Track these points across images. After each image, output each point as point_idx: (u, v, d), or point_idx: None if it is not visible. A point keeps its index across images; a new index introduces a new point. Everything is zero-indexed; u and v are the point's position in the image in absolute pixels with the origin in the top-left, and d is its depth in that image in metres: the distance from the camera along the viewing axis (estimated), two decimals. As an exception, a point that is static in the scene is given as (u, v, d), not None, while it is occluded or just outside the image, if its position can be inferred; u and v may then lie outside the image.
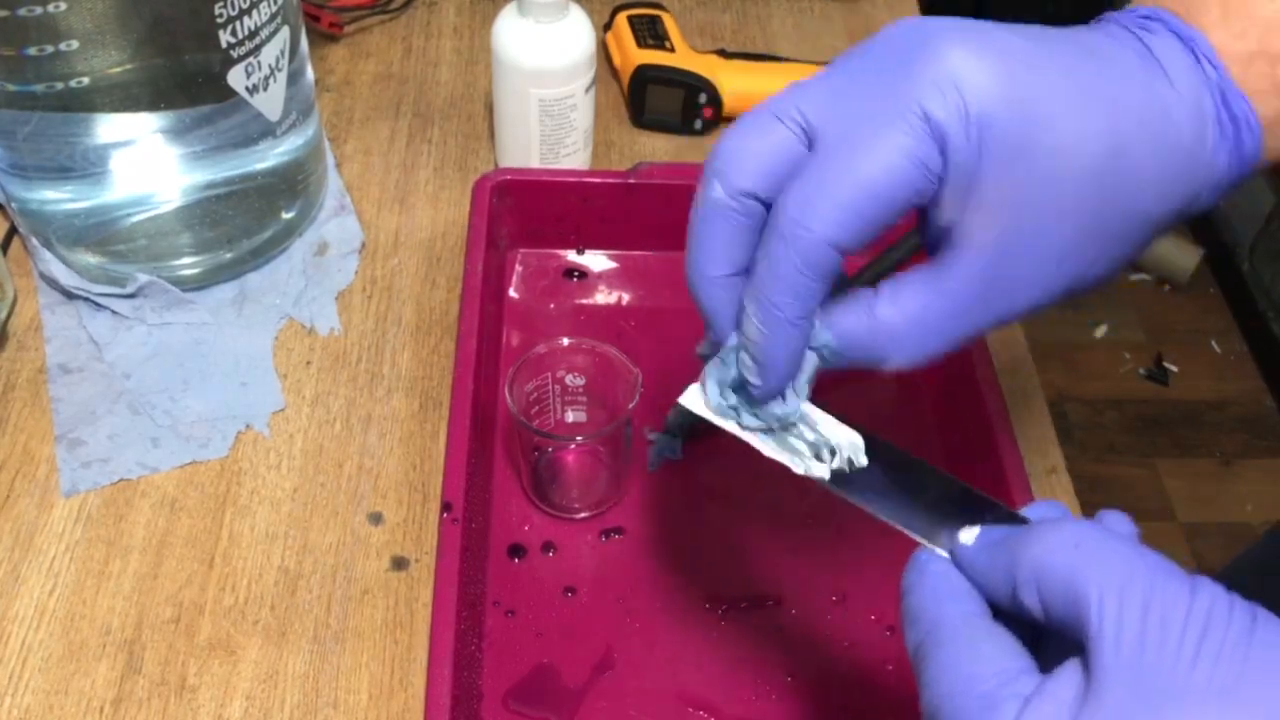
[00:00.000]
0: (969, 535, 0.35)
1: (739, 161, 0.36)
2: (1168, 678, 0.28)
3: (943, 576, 0.34)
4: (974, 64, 0.33)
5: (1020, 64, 0.34)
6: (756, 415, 0.39)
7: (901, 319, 0.36)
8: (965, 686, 0.31)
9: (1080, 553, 0.31)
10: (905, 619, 0.35)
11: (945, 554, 0.35)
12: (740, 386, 0.39)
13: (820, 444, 0.39)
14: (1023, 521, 0.35)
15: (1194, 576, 0.29)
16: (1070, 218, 0.34)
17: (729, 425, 0.40)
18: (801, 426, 0.39)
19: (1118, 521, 0.34)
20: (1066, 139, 0.34)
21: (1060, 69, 0.34)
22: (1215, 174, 0.36)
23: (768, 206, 0.36)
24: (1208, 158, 0.36)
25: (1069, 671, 0.30)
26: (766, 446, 0.40)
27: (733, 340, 0.38)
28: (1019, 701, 0.30)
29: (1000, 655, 0.32)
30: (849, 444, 0.39)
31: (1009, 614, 0.33)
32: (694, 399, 0.41)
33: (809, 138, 0.35)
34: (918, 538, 0.36)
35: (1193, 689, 0.27)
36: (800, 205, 0.34)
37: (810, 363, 0.38)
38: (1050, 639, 0.32)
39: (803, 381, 0.38)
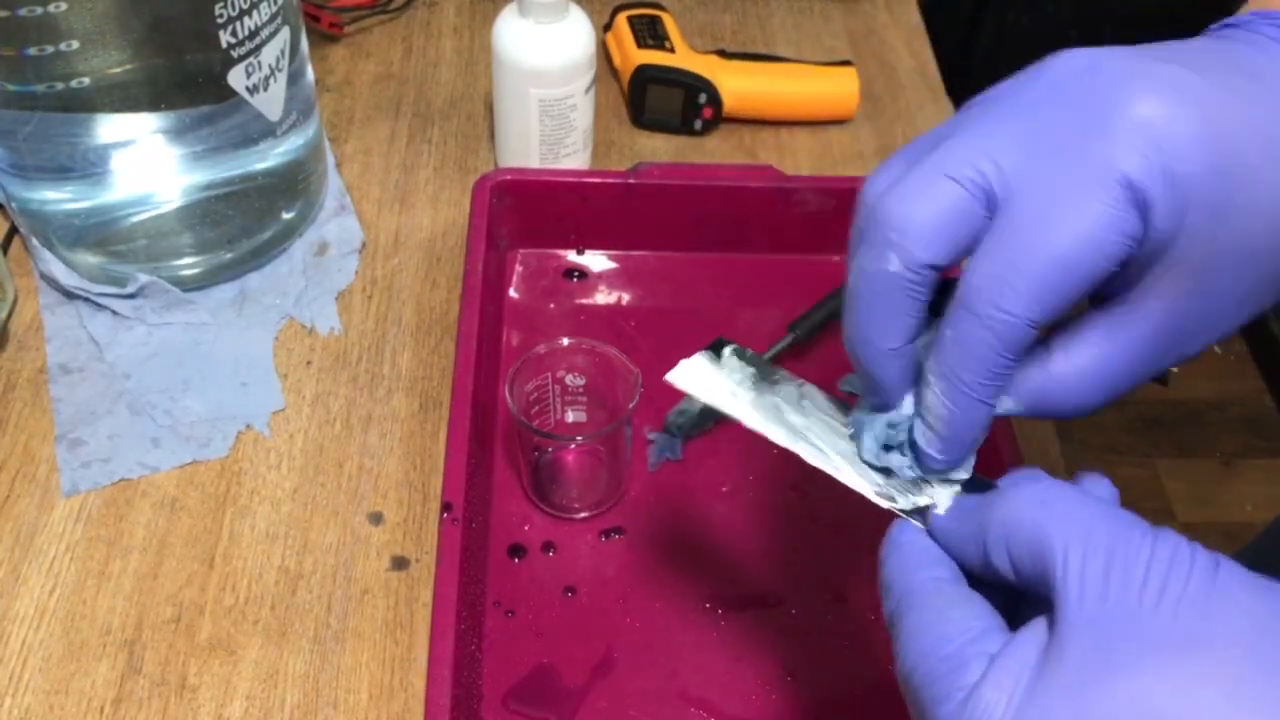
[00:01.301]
0: (943, 505, 0.35)
1: (919, 233, 0.33)
2: (1128, 630, 0.28)
3: (914, 546, 0.35)
4: (1169, 116, 0.31)
5: (1211, 111, 0.31)
6: (930, 480, 0.38)
7: (1077, 375, 0.34)
8: (933, 648, 0.31)
9: (1046, 509, 0.31)
10: (881, 590, 0.35)
11: (921, 526, 0.36)
12: (906, 448, 0.38)
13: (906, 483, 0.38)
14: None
15: (1158, 528, 0.29)
16: (1256, 267, 0.33)
17: (733, 410, 0.40)
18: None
19: (1095, 484, 0.34)
20: (1262, 194, 0.32)
21: (1244, 112, 0.32)
22: None
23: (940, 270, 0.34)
24: None
25: (1035, 628, 0.30)
26: (806, 452, 0.39)
27: (905, 407, 0.37)
28: (985, 659, 0.30)
29: (968, 616, 0.32)
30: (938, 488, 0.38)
31: (985, 582, 0.33)
32: (688, 376, 0.41)
33: (989, 199, 0.33)
34: (893, 507, 0.37)
35: (1153, 640, 0.28)
36: (996, 284, 0.32)
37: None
38: (1026, 604, 0.33)
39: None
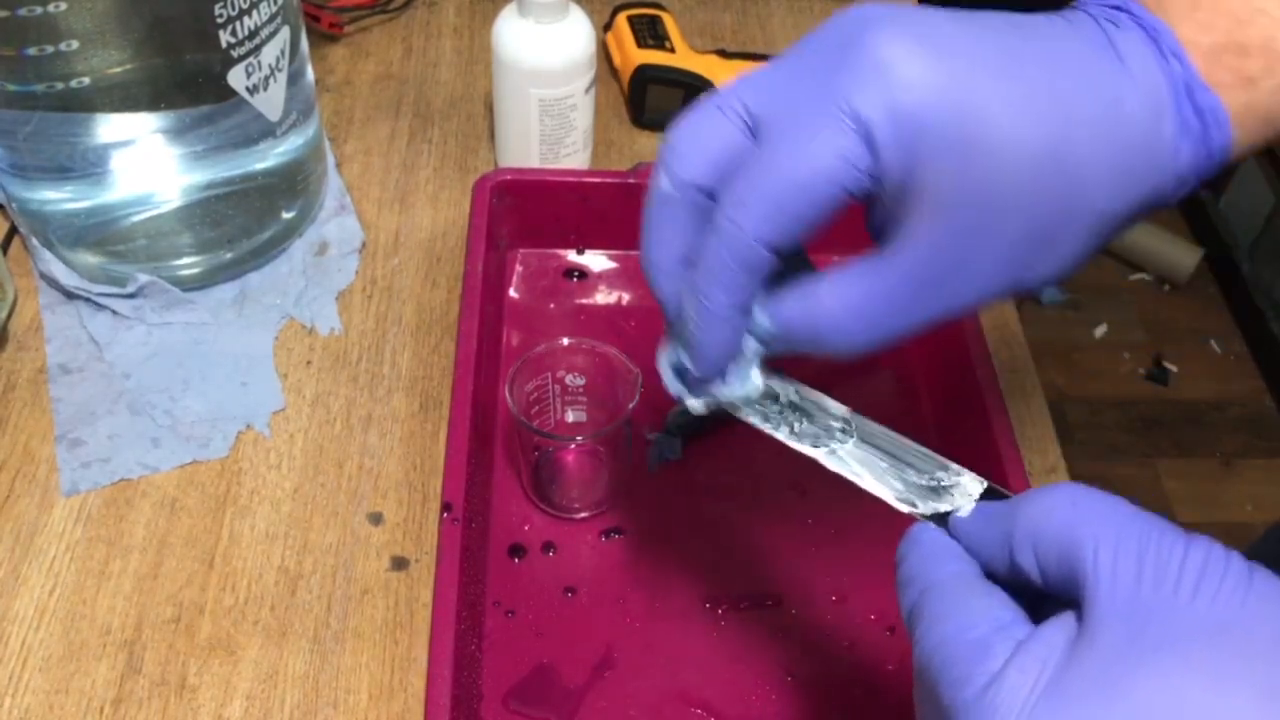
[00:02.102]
0: (965, 511, 0.35)
1: (684, 154, 0.36)
2: (1163, 617, 0.28)
3: (937, 543, 0.35)
4: (906, 57, 0.33)
5: (959, 57, 0.33)
6: (700, 396, 0.40)
7: (840, 306, 0.36)
8: (957, 634, 0.31)
9: (1076, 509, 0.31)
10: (900, 586, 0.35)
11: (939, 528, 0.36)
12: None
13: (798, 413, 0.40)
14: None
15: (1191, 533, 0.29)
16: (1011, 215, 0.34)
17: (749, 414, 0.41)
18: (789, 406, 0.40)
19: None
20: (1004, 138, 0.33)
21: (1004, 62, 0.33)
22: (1179, 168, 0.35)
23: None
24: (1167, 153, 0.35)
25: (1063, 619, 0.30)
26: (766, 427, 0.41)
27: None
28: (1011, 645, 0.30)
29: (994, 606, 0.32)
30: (838, 418, 0.40)
31: (1006, 587, 0.33)
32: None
33: (752, 131, 0.35)
34: (913, 511, 0.37)
35: (1186, 632, 0.27)
36: (733, 202, 0.34)
37: (750, 347, 0.38)
38: (1048, 609, 0.32)
39: (745, 365, 0.39)
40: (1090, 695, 0.27)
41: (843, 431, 0.40)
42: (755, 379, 0.39)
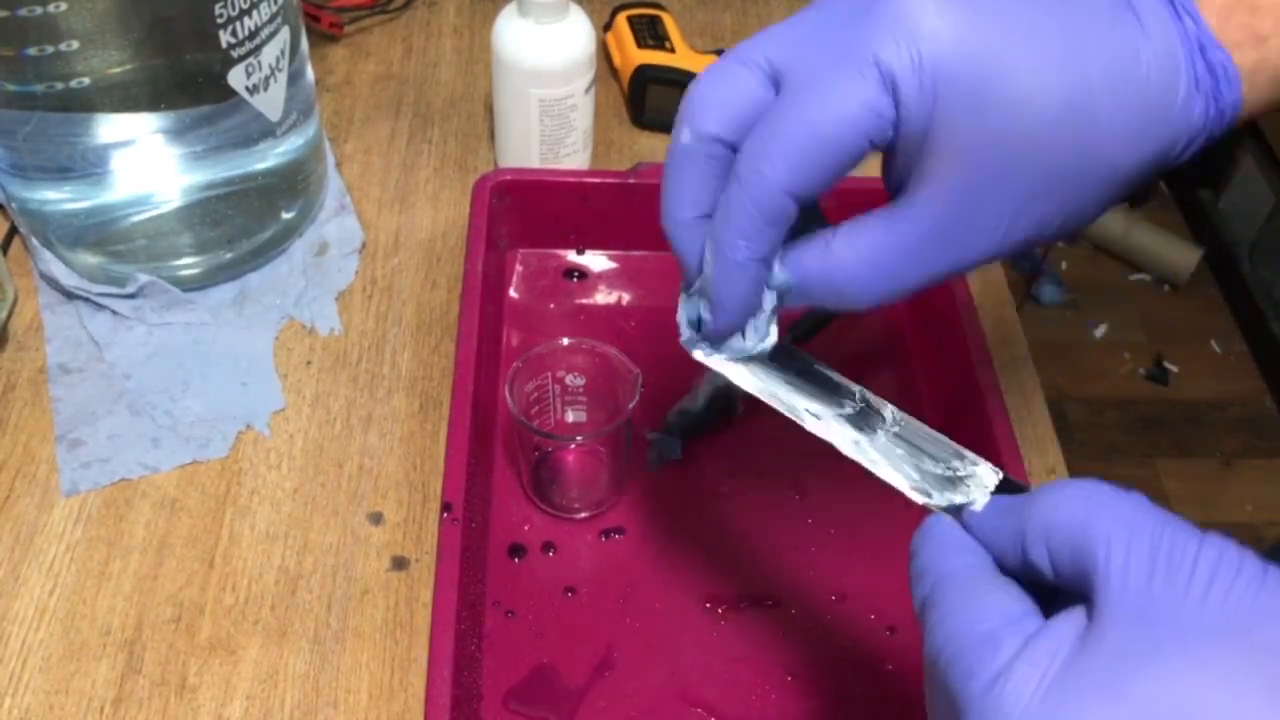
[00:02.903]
0: (980, 503, 0.35)
1: (706, 107, 0.36)
2: (1174, 613, 0.27)
3: (950, 535, 0.35)
4: (931, 10, 0.33)
5: (982, 10, 0.34)
6: (719, 350, 0.40)
7: (856, 258, 0.36)
8: (968, 626, 0.31)
9: (1089, 502, 0.31)
10: (912, 578, 0.35)
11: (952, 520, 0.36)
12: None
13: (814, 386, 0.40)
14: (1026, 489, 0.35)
15: (1205, 531, 0.29)
16: (1028, 168, 0.34)
17: (759, 388, 0.41)
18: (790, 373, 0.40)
19: None
20: (1023, 91, 0.33)
21: (1024, 17, 0.34)
22: (1191, 125, 0.36)
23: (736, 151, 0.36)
24: (1180, 108, 0.35)
25: (1073, 614, 0.30)
26: (775, 401, 0.40)
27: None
28: (1021, 639, 0.30)
29: (1006, 600, 0.32)
30: (857, 398, 0.40)
31: (1019, 578, 0.33)
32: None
33: (774, 83, 0.36)
34: (928, 502, 0.37)
35: (1197, 629, 0.27)
36: (756, 151, 0.35)
37: (769, 301, 0.38)
38: (1060, 602, 0.32)
39: (764, 320, 0.39)
40: (1097, 690, 0.27)
41: (860, 413, 0.40)
42: (773, 334, 0.40)
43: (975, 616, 0.31)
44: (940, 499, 0.37)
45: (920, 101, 0.33)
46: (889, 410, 0.40)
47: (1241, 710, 0.26)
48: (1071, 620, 0.29)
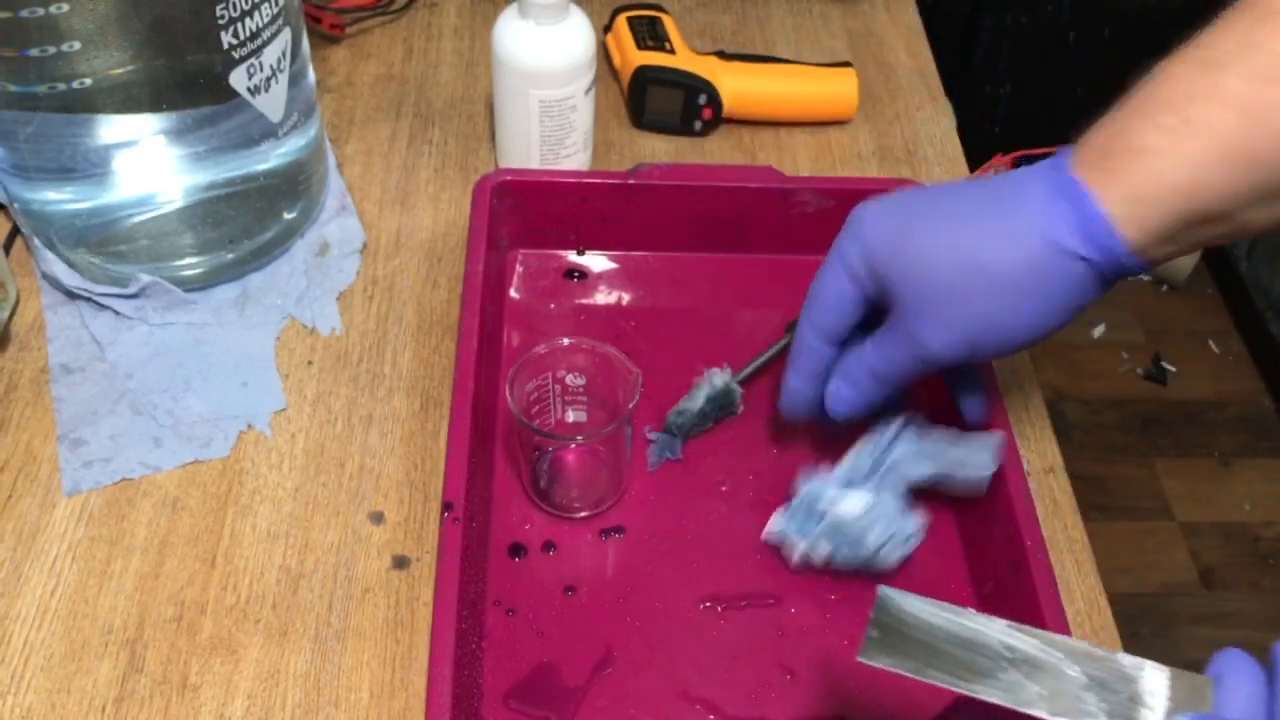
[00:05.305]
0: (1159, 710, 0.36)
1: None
2: None
3: None
4: (873, 213, 0.52)
5: (908, 206, 0.52)
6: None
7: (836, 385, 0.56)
8: None
9: None
10: None
11: None
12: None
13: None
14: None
15: None
16: (943, 306, 0.49)
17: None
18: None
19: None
20: (924, 248, 0.49)
21: (935, 207, 0.51)
22: (1085, 289, 0.47)
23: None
24: (1071, 277, 0.47)
25: None
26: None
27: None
28: None
29: None
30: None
31: None
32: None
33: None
34: None
35: None
36: (803, 311, 0.56)
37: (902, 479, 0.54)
38: None
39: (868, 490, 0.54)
40: None
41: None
42: (862, 498, 0.53)
43: None
44: None
45: (869, 273, 0.52)
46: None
47: None
48: None
